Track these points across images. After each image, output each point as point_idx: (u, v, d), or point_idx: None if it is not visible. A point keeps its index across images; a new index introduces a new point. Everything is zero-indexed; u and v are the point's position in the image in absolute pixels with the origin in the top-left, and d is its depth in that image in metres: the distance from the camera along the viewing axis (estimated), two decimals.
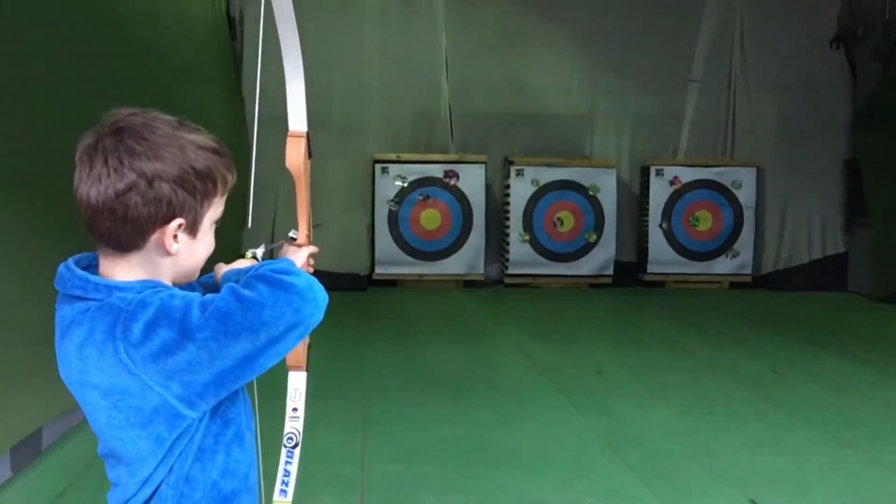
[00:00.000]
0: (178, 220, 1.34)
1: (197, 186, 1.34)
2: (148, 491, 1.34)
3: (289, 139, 1.88)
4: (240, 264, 1.58)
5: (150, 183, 1.30)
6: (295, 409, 2.00)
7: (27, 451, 3.94)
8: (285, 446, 1.97)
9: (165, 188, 1.31)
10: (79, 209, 1.33)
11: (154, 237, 1.34)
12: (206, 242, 1.42)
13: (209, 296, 1.30)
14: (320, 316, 1.32)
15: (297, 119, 1.91)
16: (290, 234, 1.92)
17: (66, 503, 3.59)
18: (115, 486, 1.38)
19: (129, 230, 1.32)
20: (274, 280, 1.29)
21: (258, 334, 1.26)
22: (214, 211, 1.41)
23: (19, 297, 3.69)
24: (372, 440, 4.43)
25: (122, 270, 1.36)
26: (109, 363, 1.27)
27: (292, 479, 1.96)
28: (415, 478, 3.95)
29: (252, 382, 1.53)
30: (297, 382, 2.01)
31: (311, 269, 1.99)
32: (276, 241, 1.94)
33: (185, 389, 1.28)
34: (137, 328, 1.26)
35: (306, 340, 1.98)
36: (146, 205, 1.30)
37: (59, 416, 4.23)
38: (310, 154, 1.94)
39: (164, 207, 1.32)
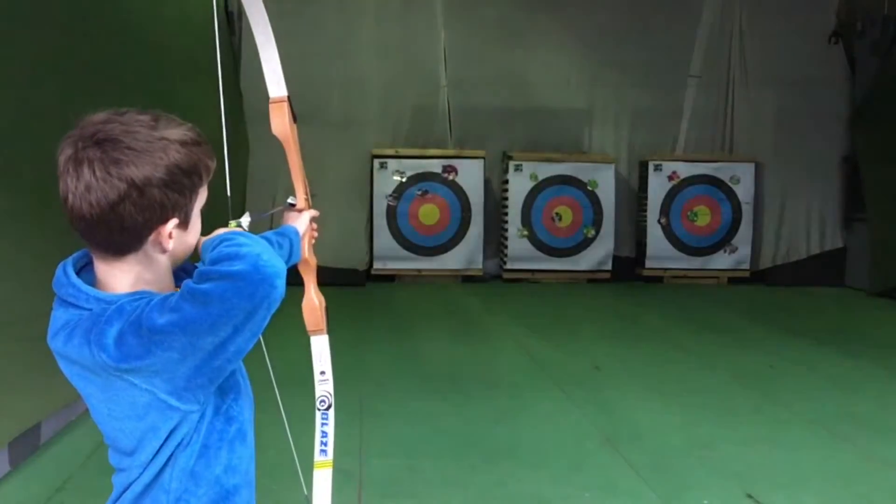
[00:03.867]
0: (174, 220, 1.35)
1: (185, 184, 1.35)
2: (148, 476, 1.37)
3: (271, 106, 1.86)
4: (220, 232, 1.57)
5: (141, 191, 1.29)
6: (323, 373, 2.02)
7: (26, 446, 3.94)
8: (319, 409, 1.99)
9: (157, 193, 1.31)
10: (70, 220, 1.33)
11: (151, 238, 1.35)
12: (195, 230, 1.43)
13: (170, 296, 1.29)
14: (279, 291, 1.28)
15: (276, 85, 1.88)
16: (289, 201, 1.91)
17: (65, 497, 3.60)
18: (119, 471, 1.42)
19: (126, 237, 1.33)
20: (213, 273, 1.26)
21: (217, 327, 1.25)
22: (201, 199, 1.42)
23: (17, 292, 3.69)
24: (370, 434, 4.44)
25: (119, 273, 1.37)
26: (90, 366, 1.30)
27: (330, 440, 1.98)
28: (412, 471, 3.96)
29: (264, 354, 1.52)
30: (319, 346, 2.02)
31: (316, 233, 1.99)
32: (275, 218, 1.93)
33: (170, 384, 1.30)
34: (111, 335, 1.27)
35: (322, 303, 1.98)
36: (140, 212, 1.31)
37: (58, 410, 4.23)
38: (294, 118, 1.91)
39: (158, 211, 1.33)
